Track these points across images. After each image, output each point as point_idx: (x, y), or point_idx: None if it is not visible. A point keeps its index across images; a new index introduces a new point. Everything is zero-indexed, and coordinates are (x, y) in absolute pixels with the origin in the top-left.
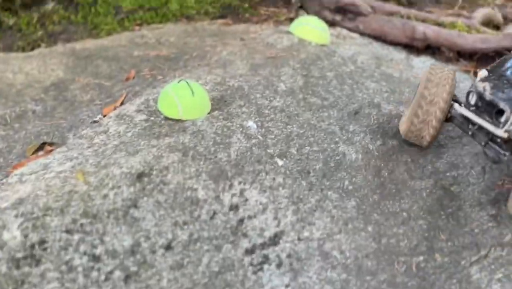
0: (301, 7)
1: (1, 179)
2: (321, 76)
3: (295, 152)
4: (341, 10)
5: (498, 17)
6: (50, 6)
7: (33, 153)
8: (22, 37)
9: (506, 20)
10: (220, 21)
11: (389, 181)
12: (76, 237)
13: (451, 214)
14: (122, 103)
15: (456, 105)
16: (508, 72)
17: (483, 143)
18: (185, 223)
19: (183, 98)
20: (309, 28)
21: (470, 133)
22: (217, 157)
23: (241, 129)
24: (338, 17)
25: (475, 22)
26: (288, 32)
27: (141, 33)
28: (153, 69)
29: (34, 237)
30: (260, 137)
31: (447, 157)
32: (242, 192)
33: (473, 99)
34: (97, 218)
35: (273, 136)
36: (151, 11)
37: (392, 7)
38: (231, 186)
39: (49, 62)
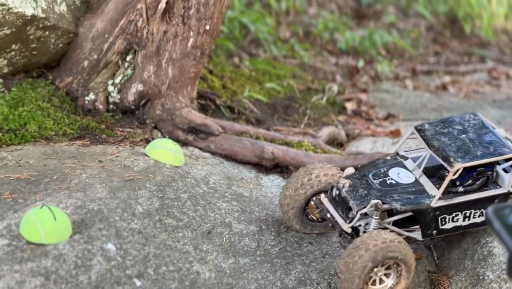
0: (155, 127)
1: None
2: (176, 198)
3: (152, 272)
4: (193, 130)
5: (342, 134)
6: None
7: None
8: None
9: (349, 137)
10: (78, 142)
11: None
12: None
13: None
14: None
15: (322, 195)
16: (370, 175)
17: (338, 234)
18: None
19: (45, 223)
20: (163, 150)
21: (330, 224)
22: (78, 280)
23: (101, 252)
24: (190, 137)
25: (320, 141)
26: (144, 154)
27: (0, 155)
28: (14, 192)
29: None
30: (119, 259)
31: (295, 273)
32: None
33: (333, 193)
34: None
35: (131, 257)
36: (10, 133)
37: (242, 127)
38: None
39: None
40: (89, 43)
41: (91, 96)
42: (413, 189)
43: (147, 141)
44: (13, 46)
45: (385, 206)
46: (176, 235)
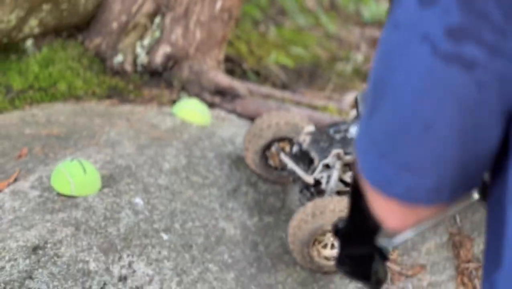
0: (182, 89)
1: None
2: (202, 156)
3: (179, 227)
4: (220, 92)
5: None
6: None
7: None
8: None
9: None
10: (107, 101)
11: (265, 255)
12: None
13: (323, 286)
14: (15, 180)
15: (282, 153)
16: (331, 131)
17: (299, 190)
18: None
19: (75, 176)
20: (191, 110)
21: (291, 179)
22: (107, 231)
23: (129, 205)
24: (217, 99)
25: (344, 105)
26: (171, 114)
27: (31, 112)
28: (44, 148)
29: None
30: (147, 213)
31: None
32: (130, 264)
33: (294, 149)
34: None
35: (158, 212)
36: (41, 91)
37: (268, 90)
38: (120, 258)
39: None
40: (119, 5)
41: (120, 57)
42: None
43: (174, 102)
44: (44, 7)
45: (347, 157)
46: (202, 192)
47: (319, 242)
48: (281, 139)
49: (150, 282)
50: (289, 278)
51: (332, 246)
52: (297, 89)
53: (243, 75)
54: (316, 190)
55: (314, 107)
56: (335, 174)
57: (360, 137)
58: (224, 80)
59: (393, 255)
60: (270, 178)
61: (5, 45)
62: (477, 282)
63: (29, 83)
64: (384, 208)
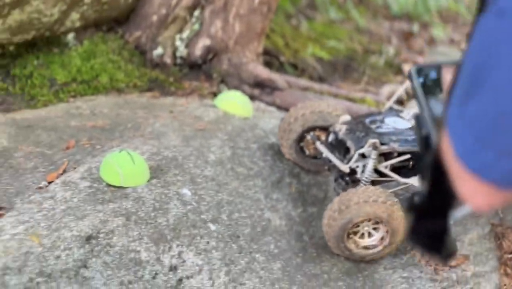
0: (222, 81)
1: None
2: (246, 148)
3: (226, 218)
4: (259, 84)
5: (402, 93)
6: None
7: None
8: None
9: (408, 96)
10: (148, 94)
11: (310, 245)
12: None
13: (367, 276)
14: (64, 171)
15: (317, 142)
16: (367, 120)
17: (334, 178)
18: (130, 282)
19: (124, 166)
20: (233, 102)
21: (326, 167)
22: (157, 222)
23: (177, 196)
24: (256, 92)
25: (382, 98)
26: (213, 106)
27: (75, 105)
28: (91, 139)
29: None
30: (195, 204)
31: None
32: (180, 254)
33: (330, 137)
34: (51, 277)
35: (205, 203)
36: (84, 84)
37: (306, 82)
38: (170, 248)
39: None
40: None
41: (159, 50)
42: (411, 134)
43: (215, 94)
44: (86, 0)
45: (383, 146)
46: (248, 183)
47: (355, 234)
48: (316, 128)
49: (199, 272)
50: (334, 268)
51: (369, 235)
52: (333, 82)
53: (280, 68)
54: (351, 179)
55: (351, 99)
56: (370, 163)
57: (453, 121)
58: (263, 72)
59: None
60: (305, 167)
61: (47, 39)
62: None
63: (72, 76)
64: (473, 190)
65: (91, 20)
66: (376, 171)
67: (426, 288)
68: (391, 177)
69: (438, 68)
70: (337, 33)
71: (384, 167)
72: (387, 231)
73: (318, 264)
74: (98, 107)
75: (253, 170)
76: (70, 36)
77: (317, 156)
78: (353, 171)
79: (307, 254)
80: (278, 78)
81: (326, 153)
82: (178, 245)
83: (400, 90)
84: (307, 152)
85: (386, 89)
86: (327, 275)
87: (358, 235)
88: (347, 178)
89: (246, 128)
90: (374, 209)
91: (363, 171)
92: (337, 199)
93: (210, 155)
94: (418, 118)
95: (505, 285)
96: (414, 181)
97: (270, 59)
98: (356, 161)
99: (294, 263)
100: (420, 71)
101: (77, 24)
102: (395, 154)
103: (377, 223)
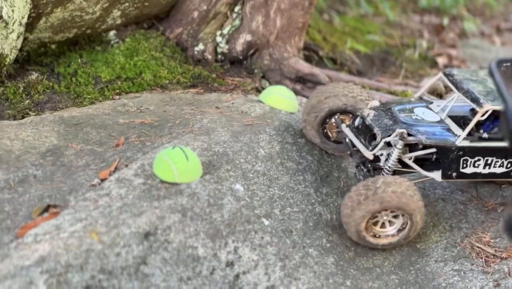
0: (263, 77)
1: (11, 240)
2: (294, 142)
3: (278, 213)
4: (301, 79)
5: (441, 86)
6: (34, 76)
7: (39, 215)
8: (11, 105)
9: (446, 89)
10: (192, 90)
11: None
12: None
13: (419, 269)
14: (116, 168)
15: (343, 124)
16: (396, 109)
17: (356, 164)
18: (189, 278)
19: (178, 163)
20: (278, 97)
21: (349, 152)
22: (212, 218)
23: (230, 192)
24: (298, 86)
25: (423, 90)
26: (259, 101)
27: (121, 102)
28: (140, 136)
29: None
30: (248, 199)
31: None
32: (236, 249)
33: (357, 121)
34: (112, 274)
35: (258, 198)
36: (128, 81)
37: (347, 76)
38: (226, 244)
39: (42, 130)
40: None
41: (200, 46)
42: (439, 127)
43: (258, 90)
44: None
45: (410, 137)
46: (298, 178)
47: (375, 224)
48: (340, 111)
49: (255, 267)
50: (386, 261)
51: (390, 223)
52: (372, 75)
53: (319, 62)
54: (373, 166)
55: (393, 93)
56: (395, 153)
57: None
58: (305, 67)
59: (485, 238)
60: (327, 150)
61: (89, 37)
62: None
63: (116, 73)
64: None
65: (132, 17)
66: (399, 161)
67: (478, 280)
68: (414, 169)
69: None
70: (369, 27)
71: (408, 158)
72: (406, 223)
73: (370, 258)
74: (144, 104)
75: (302, 164)
76: (112, 34)
77: (340, 140)
78: (376, 159)
79: (359, 248)
80: (319, 73)
81: (351, 137)
82: (233, 241)
83: (433, 80)
84: (331, 136)
85: (426, 82)
86: (379, 269)
87: (379, 225)
88: (369, 165)
89: (293, 122)
90: (403, 200)
91: (386, 160)
92: (347, 197)
93: (260, 150)
94: (504, 113)
95: None
96: (436, 176)
97: (309, 53)
98: (381, 149)
99: (347, 257)
100: (500, 64)
101: (118, 21)
102: (420, 146)
103: (395, 216)
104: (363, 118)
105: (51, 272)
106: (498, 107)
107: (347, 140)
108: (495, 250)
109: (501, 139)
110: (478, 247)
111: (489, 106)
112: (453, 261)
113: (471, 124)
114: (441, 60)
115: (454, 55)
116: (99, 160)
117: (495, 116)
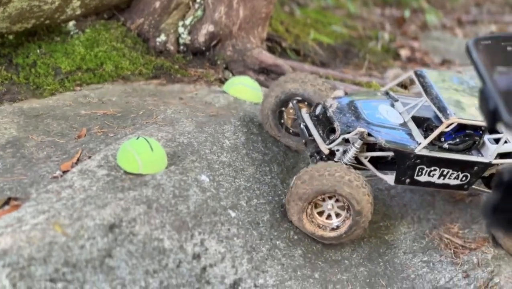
0: (226, 68)
1: None
2: (260, 133)
3: (245, 204)
4: (265, 70)
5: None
6: None
7: None
8: None
9: (412, 80)
10: (154, 81)
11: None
12: (59, 285)
13: (388, 261)
14: (78, 160)
15: (303, 110)
16: (360, 104)
17: (309, 154)
18: (155, 271)
19: (143, 153)
20: (243, 87)
21: (303, 140)
22: (178, 209)
23: (196, 183)
24: (261, 77)
25: (388, 81)
26: (223, 92)
27: (82, 93)
28: (103, 127)
29: (22, 286)
30: (213, 190)
31: (379, 208)
32: (202, 242)
33: (317, 110)
34: (76, 267)
35: (224, 189)
36: (89, 72)
37: (311, 67)
38: (192, 236)
39: (1, 121)
40: None
41: (162, 37)
42: (400, 131)
43: (221, 81)
44: None
45: (370, 138)
46: (264, 169)
47: (320, 215)
48: (300, 100)
49: (222, 259)
50: (354, 254)
51: (337, 215)
52: (335, 66)
53: (282, 54)
54: (327, 158)
55: (358, 84)
56: (352, 151)
57: None
58: (268, 58)
59: (454, 229)
60: (285, 142)
61: (48, 28)
62: None
63: (77, 64)
64: None
65: (91, 8)
66: (354, 157)
67: (447, 272)
68: (368, 168)
69: (497, 39)
70: (331, 20)
71: (364, 157)
72: (349, 214)
73: (339, 250)
74: (106, 95)
75: (268, 155)
76: (71, 24)
77: (292, 127)
78: (331, 153)
79: None
80: (283, 63)
81: (309, 125)
82: (200, 233)
83: (402, 78)
84: (287, 124)
85: (391, 73)
86: (348, 261)
87: (325, 215)
88: (324, 156)
89: (258, 113)
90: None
91: (342, 155)
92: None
93: (225, 140)
94: (482, 92)
95: None
96: (389, 179)
97: (272, 44)
98: (338, 144)
99: (315, 249)
100: (477, 43)
101: (78, 11)
102: (378, 147)
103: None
104: (325, 108)
105: (13, 265)
106: (464, 120)
107: (302, 126)
108: (464, 241)
109: (460, 151)
110: (446, 238)
111: (455, 119)
112: (421, 253)
113: (433, 134)
114: (404, 52)
115: (417, 47)
116: (60, 152)
117: (459, 126)
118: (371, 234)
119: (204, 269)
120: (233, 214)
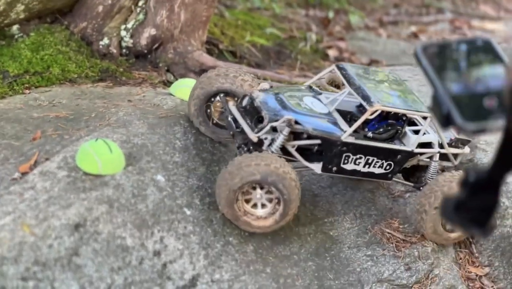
0: (168, 70)
1: None
2: None
3: (199, 203)
4: (205, 72)
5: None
6: None
7: None
8: None
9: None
10: (101, 84)
11: (278, 228)
12: (31, 284)
13: (334, 256)
14: (36, 161)
15: (230, 102)
16: (285, 95)
17: (237, 145)
18: (119, 268)
19: (102, 155)
20: (188, 89)
21: (231, 132)
22: (137, 208)
23: (153, 182)
24: None
25: (323, 82)
26: (169, 94)
27: (33, 96)
28: (57, 129)
29: None
30: (169, 189)
31: (322, 205)
32: (161, 239)
33: (244, 101)
34: (46, 266)
35: (179, 188)
36: (37, 75)
37: (249, 69)
38: (152, 234)
39: None
40: None
41: (105, 40)
42: (326, 119)
43: (164, 83)
44: None
45: (297, 126)
46: (213, 168)
47: (247, 202)
48: (227, 93)
49: (181, 256)
50: (302, 249)
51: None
52: (270, 68)
53: (220, 56)
54: (254, 149)
55: (295, 84)
56: (280, 139)
57: None
58: (208, 60)
59: (394, 224)
60: (212, 137)
61: None
62: (474, 248)
63: (24, 67)
64: None
65: (35, 12)
66: (282, 148)
67: (390, 264)
68: (295, 157)
69: (444, 45)
70: (258, 21)
71: (292, 146)
72: (278, 202)
73: (287, 246)
74: (56, 98)
75: (216, 155)
76: (15, 28)
77: (219, 120)
78: (260, 142)
79: (276, 236)
80: (223, 65)
81: (237, 116)
82: (159, 230)
83: (324, 72)
84: (214, 118)
85: (325, 74)
86: (296, 256)
87: (251, 204)
88: (251, 147)
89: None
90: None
91: (270, 144)
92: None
93: (176, 141)
94: (434, 98)
95: (460, 259)
96: (316, 168)
97: (210, 47)
98: (266, 133)
99: (265, 245)
100: (425, 50)
101: (22, 15)
102: (305, 136)
103: (270, 193)
104: (252, 98)
105: None
106: (388, 108)
107: (229, 118)
108: (405, 235)
109: (384, 140)
110: (388, 233)
111: (379, 106)
112: (365, 247)
113: (359, 121)
114: (332, 53)
115: (344, 48)
116: (17, 154)
117: (381, 117)
118: (317, 230)
119: (164, 265)
120: (188, 212)
